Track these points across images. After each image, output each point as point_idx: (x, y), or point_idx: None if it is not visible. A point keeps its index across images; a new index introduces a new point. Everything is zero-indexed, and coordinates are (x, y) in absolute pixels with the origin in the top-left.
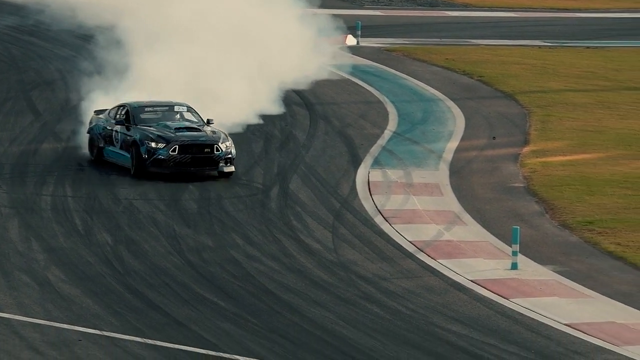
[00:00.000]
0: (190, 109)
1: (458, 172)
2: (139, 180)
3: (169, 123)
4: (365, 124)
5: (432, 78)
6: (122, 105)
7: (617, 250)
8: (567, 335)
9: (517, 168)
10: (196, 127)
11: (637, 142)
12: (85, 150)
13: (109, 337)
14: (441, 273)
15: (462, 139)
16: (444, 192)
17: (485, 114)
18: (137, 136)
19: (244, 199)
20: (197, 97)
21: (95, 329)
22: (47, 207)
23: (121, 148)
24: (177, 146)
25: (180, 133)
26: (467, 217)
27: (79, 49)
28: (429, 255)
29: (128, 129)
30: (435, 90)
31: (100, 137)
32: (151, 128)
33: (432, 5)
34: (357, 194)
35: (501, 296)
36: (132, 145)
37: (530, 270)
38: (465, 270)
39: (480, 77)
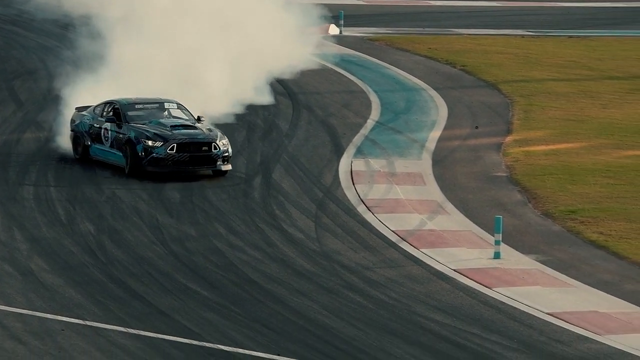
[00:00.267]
0: (180, 106)
1: (441, 162)
2: (122, 170)
3: (162, 120)
4: (348, 113)
5: (415, 67)
6: (109, 102)
7: (600, 240)
8: (549, 324)
9: (500, 157)
10: (191, 124)
11: (619, 131)
12: (64, 146)
13: (92, 326)
14: (424, 262)
15: (445, 129)
16: (427, 181)
17: (468, 103)
18: (132, 134)
19: (227, 189)
20: (179, 85)
21: (78, 318)
22: (29, 196)
23: (111, 146)
24: (175, 144)
25: (177, 131)
26: (449, 207)
27: (62, 38)
28: (411, 245)
29: (119, 127)
30: (418, 80)
31: (86, 134)
32: (145, 126)
33: None
34: (340, 183)
35: (484, 285)
36: (126, 144)
37: (513, 259)
38: (448, 260)
39: (463, 66)
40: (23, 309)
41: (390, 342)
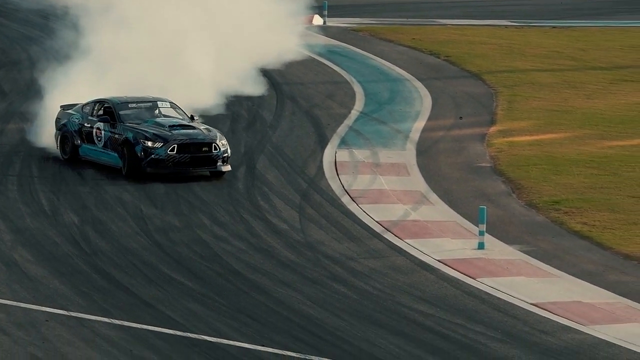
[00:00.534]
0: (173, 105)
1: (425, 152)
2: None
3: (159, 120)
4: (333, 104)
5: (399, 58)
6: (100, 101)
7: (584, 230)
8: (533, 314)
9: (484, 148)
10: (189, 124)
11: (603, 121)
12: (47, 140)
13: (76, 317)
14: (408, 253)
15: (429, 119)
16: (411, 172)
17: (452, 93)
18: (129, 135)
19: (211, 180)
20: (162, 75)
21: (62, 309)
22: (13, 187)
23: (105, 147)
24: (175, 145)
25: (176, 131)
26: (434, 197)
27: (45, 28)
28: (396, 235)
29: (113, 127)
30: (402, 70)
31: (75, 134)
32: (142, 126)
33: None
34: (324, 174)
35: (468, 276)
36: (123, 145)
37: (497, 249)
38: (432, 250)
39: (447, 57)
40: (7, 299)
41: (374, 332)
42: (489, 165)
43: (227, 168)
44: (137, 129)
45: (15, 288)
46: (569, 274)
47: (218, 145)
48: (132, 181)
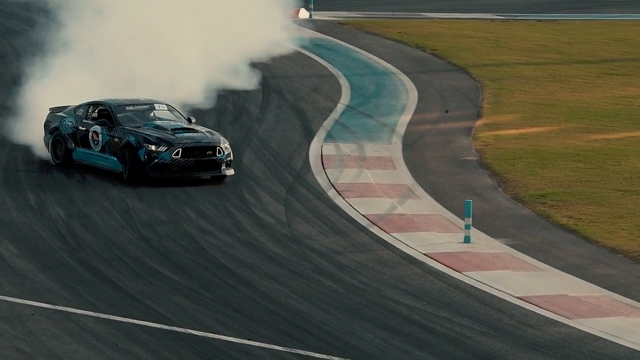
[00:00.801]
0: (170, 108)
1: (411, 146)
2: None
3: (159, 123)
4: (319, 97)
5: (385, 51)
6: (94, 104)
7: (570, 223)
8: (519, 308)
9: (470, 141)
10: (191, 127)
11: (589, 115)
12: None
13: (62, 311)
14: (394, 246)
15: (415, 113)
16: (397, 165)
17: (438, 87)
18: (131, 138)
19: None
20: (148, 68)
21: (48, 303)
22: None
23: (102, 151)
24: (180, 149)
25: (180, 135)
26: (420, 191)
27: (31, 22)
28: (382, 229)
29: (111, 130)
30: (388, 64)
31: (69, 138)
32: (143, 129)
33: None
34: (310, 167)
35: (454, 269)
36: (124, 148)
37: (483, 243)
38: (418, 244)
39: (433, 50)
40: None
41: (360, 326)
42: (475, 158)
43: (231, 172)
44: (139, 132)
45: (1, 282)
46: (555, 267)
47: (222, 149)
48: (118, 175)
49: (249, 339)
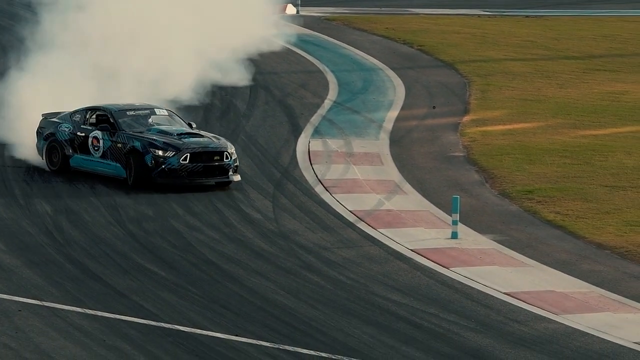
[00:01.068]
0: (171, 113)
1: (398, 142)
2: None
3: (164, 128)
4: (306, 93)
5: (372, 47)
6: (92, 109)
7: (557, 219)
8: (506, 304)
9: (457, 137)
10: (197, 132)
11: (576, 111)
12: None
13: (49, 307)
14: (381, 242)
15: (403, 108)
16: (385, 161)
17: (425, 83)
18: (137, 143)
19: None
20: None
21: (35, 299)
22: None
23: (104, 157)
24: (188, 154)
25: (187, 140)
26: (407, 187)
27: (18, 18)
28: (369, 225)
29: (113, 135)
30: (376, 60)
31: (66, 144)
32: (149, 134)
33: None
34: (297, 163)
35: (441, 265)
36: (129, 154)
37: (470, 239)
38: (406, 240)
39: (421, 46)
40: None
41: (347, 322)
42: (462, 154)
43: (237, 178)
44: (144, 137)
45: None
46: (542, 263)
47: (229, 154)
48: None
49: (237, 335)
